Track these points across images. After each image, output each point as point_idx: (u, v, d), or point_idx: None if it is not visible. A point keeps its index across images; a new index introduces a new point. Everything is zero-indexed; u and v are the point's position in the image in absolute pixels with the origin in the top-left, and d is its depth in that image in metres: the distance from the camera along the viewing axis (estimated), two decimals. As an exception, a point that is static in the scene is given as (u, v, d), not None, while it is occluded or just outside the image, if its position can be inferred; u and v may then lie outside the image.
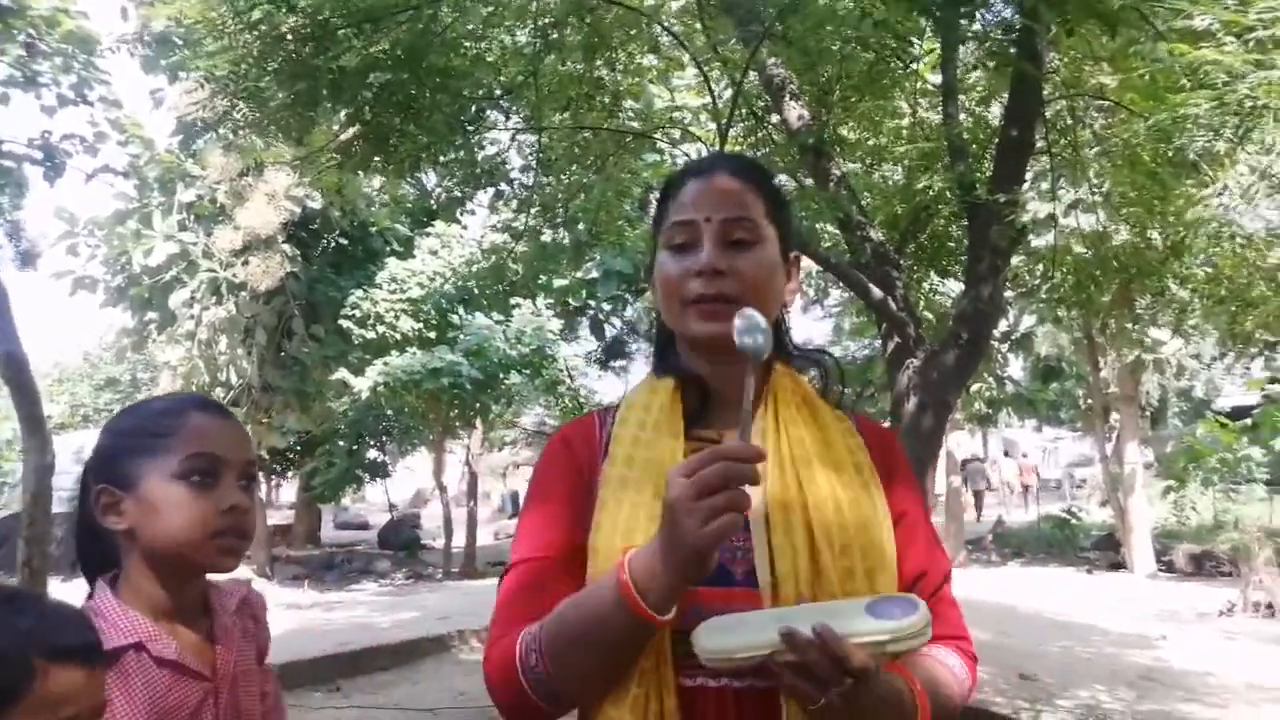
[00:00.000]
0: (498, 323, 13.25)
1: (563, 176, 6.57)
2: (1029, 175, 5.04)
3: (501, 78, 5.50)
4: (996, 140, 4.81)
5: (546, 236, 7.00)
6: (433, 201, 10.63)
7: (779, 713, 1.04)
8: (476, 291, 13.25)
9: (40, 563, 5.61)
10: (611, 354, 18.32)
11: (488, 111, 5.69)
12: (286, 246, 12.70)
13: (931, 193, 5.59)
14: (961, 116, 5.38)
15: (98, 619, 1.17)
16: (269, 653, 1.38)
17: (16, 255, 10.04)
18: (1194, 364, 16.68)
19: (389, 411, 15.09)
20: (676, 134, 7.05)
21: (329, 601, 11.29)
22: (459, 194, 6.79)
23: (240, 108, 4.56)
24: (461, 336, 13.17)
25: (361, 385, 12.69)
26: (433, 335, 13.49)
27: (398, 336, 13.22)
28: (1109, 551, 14.22)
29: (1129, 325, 11.75)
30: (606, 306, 16.76)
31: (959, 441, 17.74)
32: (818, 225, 5.66)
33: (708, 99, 6.13)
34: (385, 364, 12.58)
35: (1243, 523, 10.51)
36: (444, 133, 5.10)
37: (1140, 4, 3.41)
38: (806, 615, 0.97)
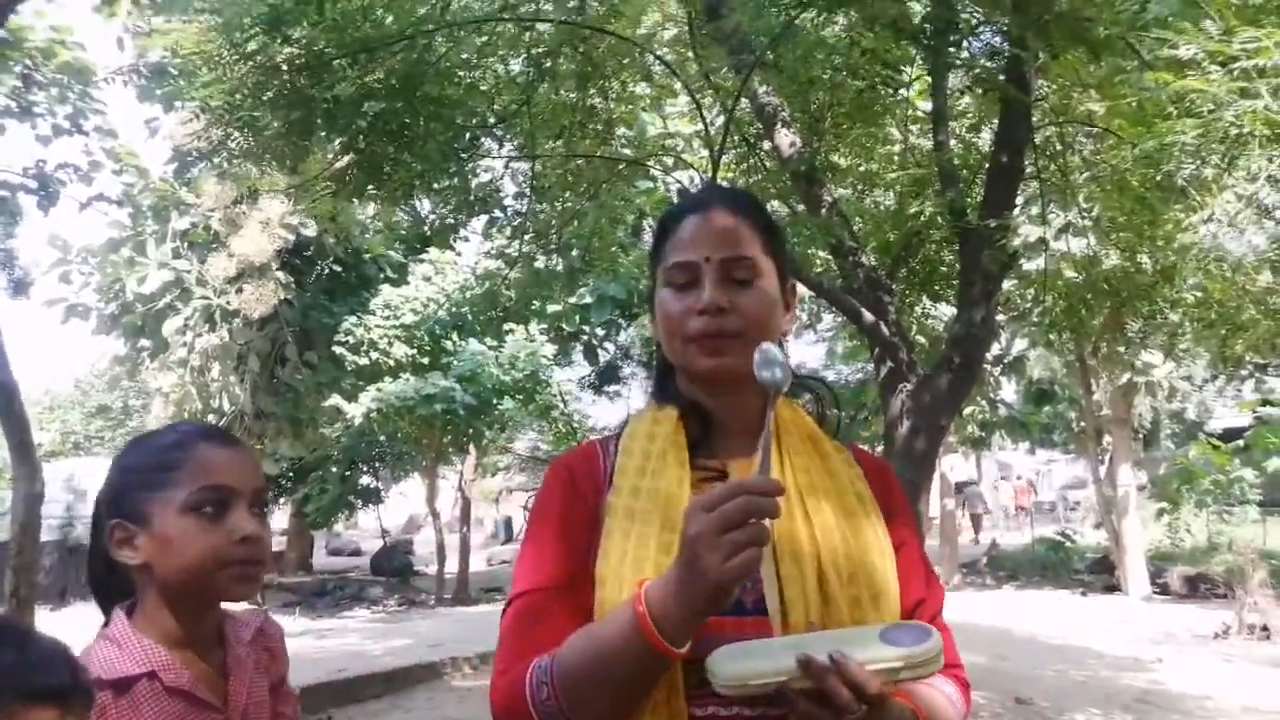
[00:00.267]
0: (491, 348, 13.25)
1: (556, 203, 6.61)
2: (1019, 200, 5.08)
3: (495, 106, 5.53)
4: (987, 166, 4.85)
5: (540, 263, 7.02)
6: (427, 228, 10.68)
7: None
8: (470, 317, 13.26)
9: (28, 592, 5.56)
10: (605, 379, 18.32)
11: (481, 139, 5.72)
12: (280, 273, 12.73)
13: (923, 218, 5.62)
14: (952, 143, 5.43)
15: (112, 646, 1.17)
16: (287, 680, 1.38)
17: (9, 283, 10.05)
18: (1186, 386, 16.75)
19: (382, 438, 15.05)
20: (669, 161, 7.10)
21: (321, 629, 11.20)
22: (453, 221, 6.82)
23: (235, 137, 4.58)
24: (455, 362, 13.18)
25: (355, 411, 12.67)
26: (426, 361, 13.49)
27: (391, 363, 13.21)
28: (1103, 574, 14.21)
29: (1120, 348, 11.81)
30: (600, 332, 16.78)
31: (952, 464, 17.76)
32: (810, 251, 5.70)
33: (700, 126, 6.18)
34: (378, 390, 12.57)
35: (1237, 545, 10.51)
36: (438, 160, 5.12)
37: (1126, 33, 3.46)
38: (822, 642, 0.98)
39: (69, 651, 1.14)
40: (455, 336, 13.66)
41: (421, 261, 14.33)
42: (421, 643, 9.53)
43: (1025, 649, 8.68)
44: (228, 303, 12.59)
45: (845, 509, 1.18)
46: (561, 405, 15.88)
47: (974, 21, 4.17)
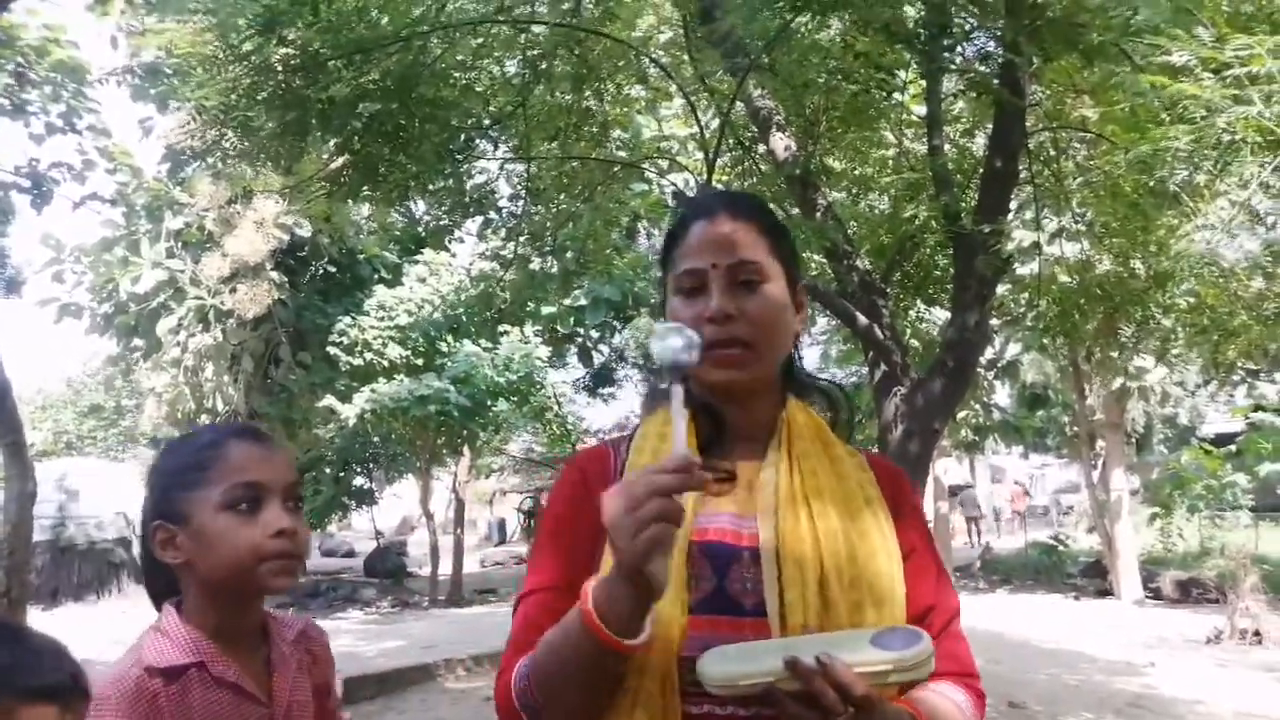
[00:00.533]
0: (485, 350, 13.24)
1: (551, 205, 6.60)
2: (1013, 205, 5.09)
3: (490, 108, 5.53)
4: (981, 170, 4.87)
5: (535, 264, 7.02)
6: (421, 229, 10.65)
7: None
8: (465, 319, 13.26)
9: (20, 592, 5.55)
10: (599, 381, 18.31)
11: (477, 141, 5.72)
12: (274, 274, 12.69)
13: (917, 222, 5.63)
14: (946, 147, 5.44)
15: (163, 637, 1.22)
16: (335, 691, 1.43)
17: (2, 282, 10.01)
18: (1178, 391, 16.79)
19: (376, 439, 15.04)
20: (664, 164, 7.11)
21: (314, 631, 11.16)
22: (448, 222, 6.81)
23: (230, 137, 4.57)
24: (449, 364, 13.16)
25: (349, 412, 12.65)
26: (420, 363, 13.47)
27: (385, 364, 13.19)
28: (1096, 578, 14.24)
29: (1113, 353, 11.83)
30: (594, 334, 16.77)
31: (946, 468, 17.78)
32: (804, 254, 5.70)
33: (695, 129, 6.19)
34: (373, 391, 12.56)
35: (1228, 549, 10.55)
36: (433, 162, 5.12)
37: (1118, 39, 3.47)
38: (812, 645, 0.98)
39: (66, 650, 1.16)
40: (450, 338, 13.65)
41: (416, 263, 14.31)
42: (415, 644, 9.52)
43: (1018, 653, 8.69)
44: (221, 303, 12.56)
45: (853, 513, 1.17)
46: (556, 407, 15.88)
47: (968, 26, 4.18)
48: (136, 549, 15.27)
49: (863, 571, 1.12)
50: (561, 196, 6.47)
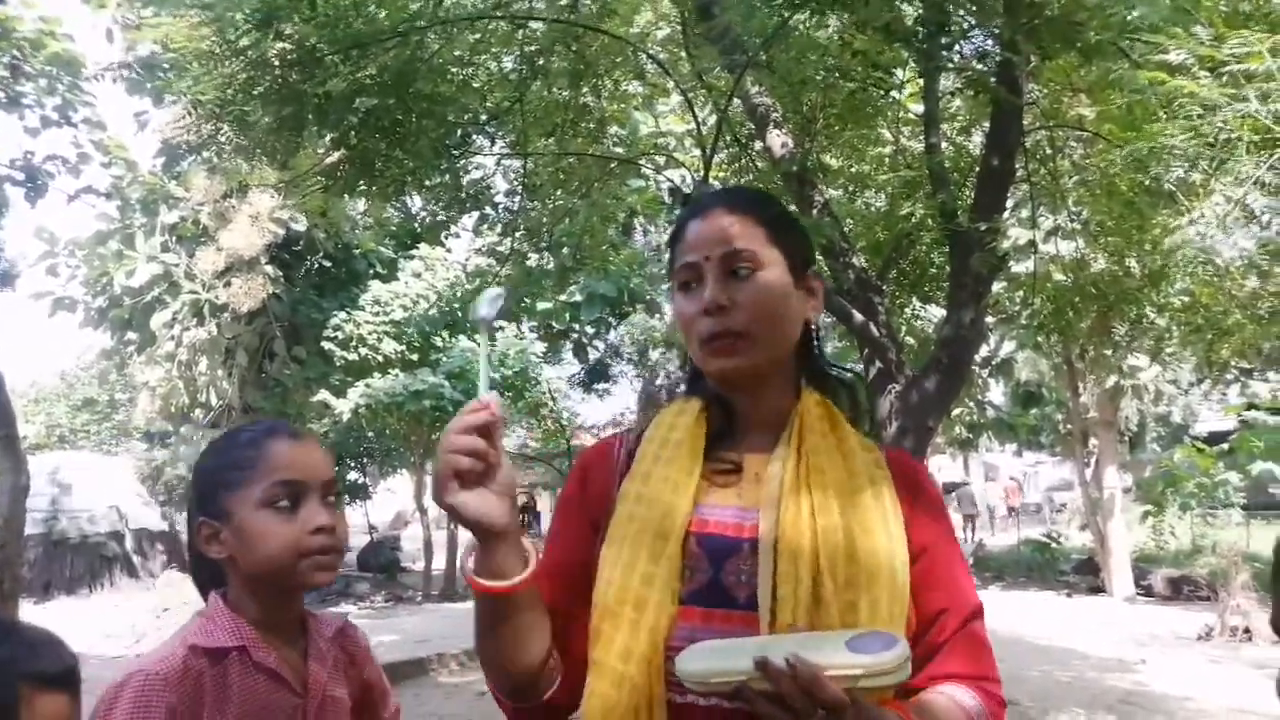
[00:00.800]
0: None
1: (548, 201, 6.60)
2: (1009, 203, 5.10)
3: (487, 103, 5.52)
4: (977, 169, 4.87)
5: (531, 260, 7.01)
6: (417, 225, 10.62)
7: None
8: (460, 314, 13.23)
9: (12, 585, 5.54)
10: (595, 377, 18.30)
11: (473, 136, 5.71)
12: (269, 268, 12.66)
13: (913, 220, 5.64)
14: (943, 145, 5.45)
15: (209, 621, 1.28)
16: (384, 689, 1.48)
17: (-4, 275, 9.98)
18: (1172, 390, 16.85)
19: (370, 433, 15.02)
20: (661, 160, 7.10)
21: (308, 626, 11.16)
22: (444, 217, 6.79)
23: (225, 132, 4.56)
24: (444, 359, 13.15)
25: (343, 407, 12.64)
26: (415, 358, 13.45)
27: (380, 359, 13.17)
28: (1088, 575, 14.29)
29: (1107, 352, 11.86)
30: (590, 330, 16.76)
31: (940, 466, 17.81)
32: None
33: (692, 126, 6.18)
34: (367, 386, 12.54)
35: (1220, 547, 10.60)
36: (429, 157, 5.11)
37: (1116, 38, 3.48)
38: (787, 645, 0.97)
39: (61, 639, 1.22)
40: (445, 333, 13.63)
41: (412, 258, 14.29)
42: (408, 639, 9.52)
43: (1011, 649, 8.72)
44: (216, 297, 12.52)
45: (858, 507, 1.15)
46: (551, 403, 15.86)
47: (966, 25, 4.18)
48: (129, 543, 15.30)
49: (861, 569, 1.10)
50: (558, 192, 6.46)
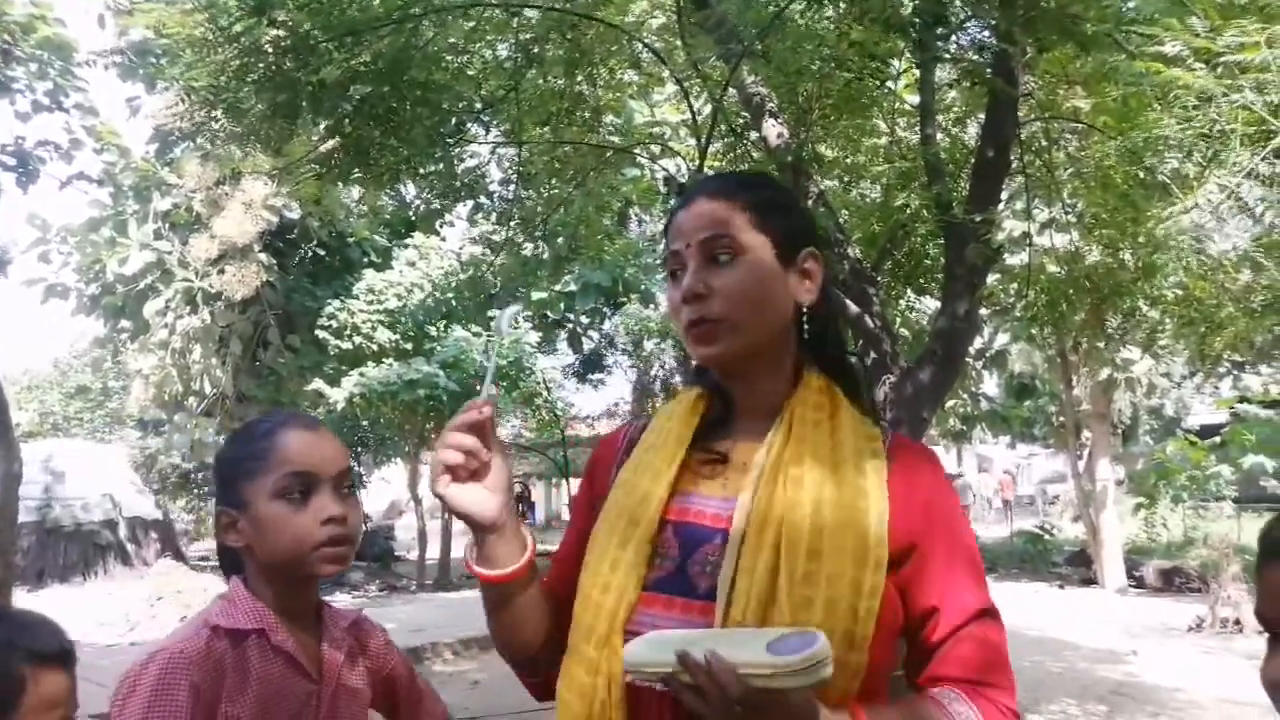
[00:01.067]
0: (475, 335, 13.22)
1: (542, 190, 6.58)
2: (1004, 195, 5.10)
3: (482, 92, 5.50)
4: (973, 160, 4.86)
5: (526, 250, 7.00)
6: (411, 213, 10.60)
7: None
8: (455, 303, 13.22)
9: (5, 573, 5.54)
10: (589, 367, 18.32)
11: (468, 125, 5.69)
12: (263, 256, 12.62)
13: (909, 211, 5.63)
14: (938, 137, 5.44)
15: (230, 604, 1.32)
16: (416, 684, 1.52)
17: (-13, 262, 9.92)
18: (1164, 383, 16.89)
19: (364, 423, 15.00)
20: (656, 149, 7.08)
21: (301, 614, 11.16)
22: (438, 206, 6.78)
23: (219, 118, 4.53)
24: (438, 348, 13.13)
25: (337, 396, 12.62)
26: (410, 347, 13.44)
27: (374, 347, 13.16)
28: (1081, 567, 14.35)
29: (1101, 344, 11.89)
30: (585, 320, 16.76)
31: (934, 457, 17.81)
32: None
33: (687, 115, 6.17)
34: (361, 375, 12.52)
35: (1211, 539, 10.64)
36: (424, 145, 5.09)
37: (1112, 30, 3.47)
38: (714, 640, 0.98)
39: (54, 620, 1.27)
40: (442, 324, 13.61)
41: (406, 246, 14.26)
42: (403, 628, 9.53)
43: (1002, 640, 8.75)
44: (210, 285, 12.48)
45: (837, 500, 1.11)
46: (545, 393, 15.86)
47: (962, 15, 4.17)
48: (123, 531, 15.27)
49: (822, 565, 1.07)
50: (553, 181, 6.44)
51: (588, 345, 17.82)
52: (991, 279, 6.23)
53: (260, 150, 5.48)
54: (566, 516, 19.90)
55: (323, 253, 13.99)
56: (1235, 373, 14.64)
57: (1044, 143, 5.55)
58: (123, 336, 13.93)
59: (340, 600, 12.74)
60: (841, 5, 4.20)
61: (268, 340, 13.31)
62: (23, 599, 9.58)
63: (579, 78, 5.62)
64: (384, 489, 25.46)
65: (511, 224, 6.63)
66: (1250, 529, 12.13)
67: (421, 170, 5.65)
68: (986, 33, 4.39)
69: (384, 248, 14.51)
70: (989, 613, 1.15)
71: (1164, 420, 21.81)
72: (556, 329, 16.68)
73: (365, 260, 14.24)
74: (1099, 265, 5.63)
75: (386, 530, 19.21)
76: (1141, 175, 4.62)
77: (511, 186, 6.52)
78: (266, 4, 3.95)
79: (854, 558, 1.08)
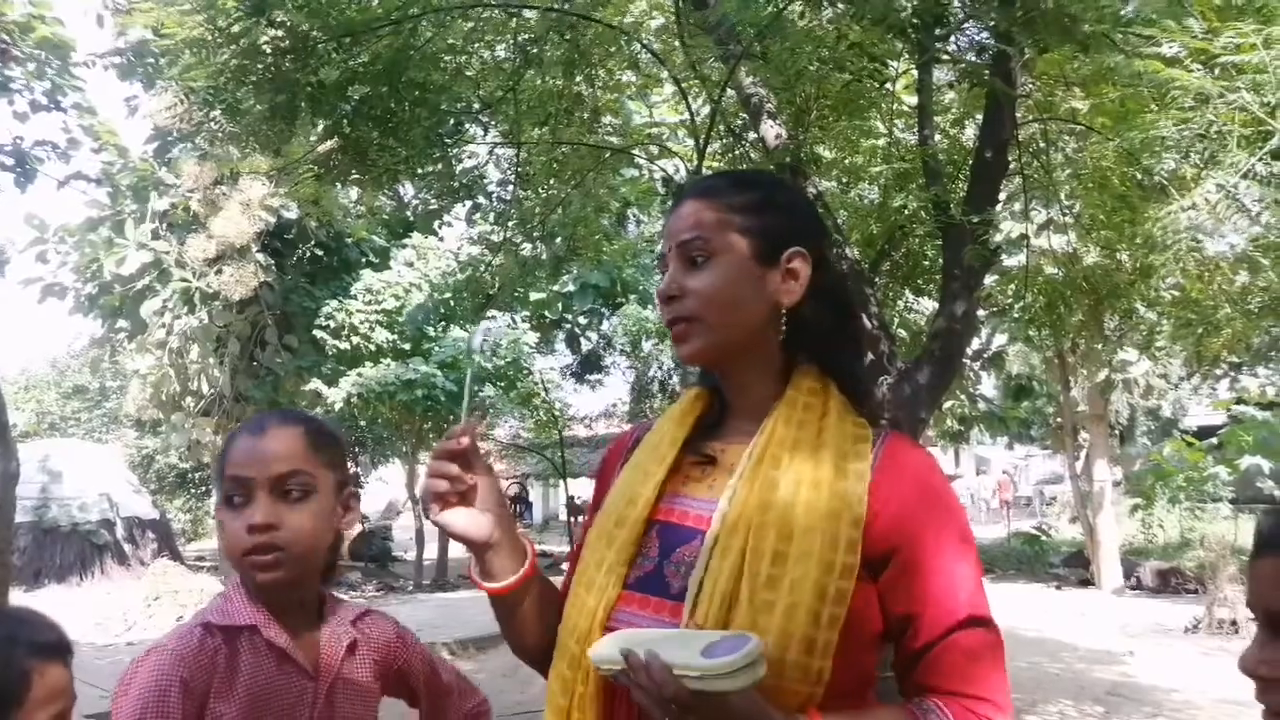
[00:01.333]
0: (486, 332, 13.20)
1: (541, 190, 6.58)
2: (1002, 196, 5.10)
3: (481, 92, 5.50)
4: (971, 161, 4.87)
5: (524, 250, 7.00)
6: (410, 213, 10.59)
7: None
8: (453, 304, 13.21)
9: (2, 573, 5.52)
10: (587, 367, 18.30)
11: (466, 126, 5.69)
12: (261, 256, 12.60)
13: (906, 212, 5.63)
14: (937, 138, 5.45)
15: (226, 601, 1.33)
16: (438, 678, 1.51)
17: (-15, 262, 9.90)
18: (1162, 384, 16.91)
19: (362, 423, 14.99)
20: (654, 150, 7.08)
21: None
22: (436, 207, 6.78)
23: (217, 119, 4.53)
24: (436, 348, 13.12)
25: (335, 396, 12.61)
26: (407, 347, 13.43)
27: (372, 348, 13.15)
28: (1078, 568, 14.36)
29: (1098, 346, 11.90)
30: (583, 320, 16.75)
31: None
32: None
33: (686, 116, 6.17)
34: (359, 375, 12.52)
35: (1208, 540, 10.66)
36: (422, 146, 5.09)
37: (1111, 30, 3.48)
38: (662, 641, 1.01)
39: (48, 615, 1.30)
40: (442, 326, 13.60)
41: (404, 247, 14.24)
42: (399, 629, 9.51)
43: (999, 641, 8.76)
44: (207, 285, 12.46)
45: (813, 505, 1.09)
46: (543, 393, 15.85)
47: (960, 16, 4.18)
48: (120, 531, 15.24)
49: (789, 571, 1.06)
50: (551, 182, 6.44)
51: (586, 346, 17.81)
52: (989, 280, 6.24)
53: (258, 150, 5.48)
54: (564, 516, 19.91)
55: (321, 253, 13.95)
56: (1232, 374, 14.67)
57: (1042, 144, 5.56)
58: (120, 336, 13.91)
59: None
60: (840, 6, 4.21)
61: (265, 340, 13.29)
62: (20, 599, 9.57)
63: (577, 78, 5.62)
64: (382, 489, 25.45)
65: (510, 224, 6.62)
66: (1247, 530, 12.12)
67: (420, 171, 5.65)
68: (985, 34, 4.39)
69: (382, 248, 14.49)
70: (978, 620, 1.12)
71: (1161, 421, 21.82)
72: (554, 329, 16.67)
73: (363, 260, 14.22)
74: (1096, 266, 5.64)
75: (384, 530, 19.19)
76: (1139, 176, 4.62)
77: (510, 187, 6.52)
78: (265, 4, 3.95)
79: (820, 563, 1.06)
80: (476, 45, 5.31)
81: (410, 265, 13.92)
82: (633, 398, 20.44)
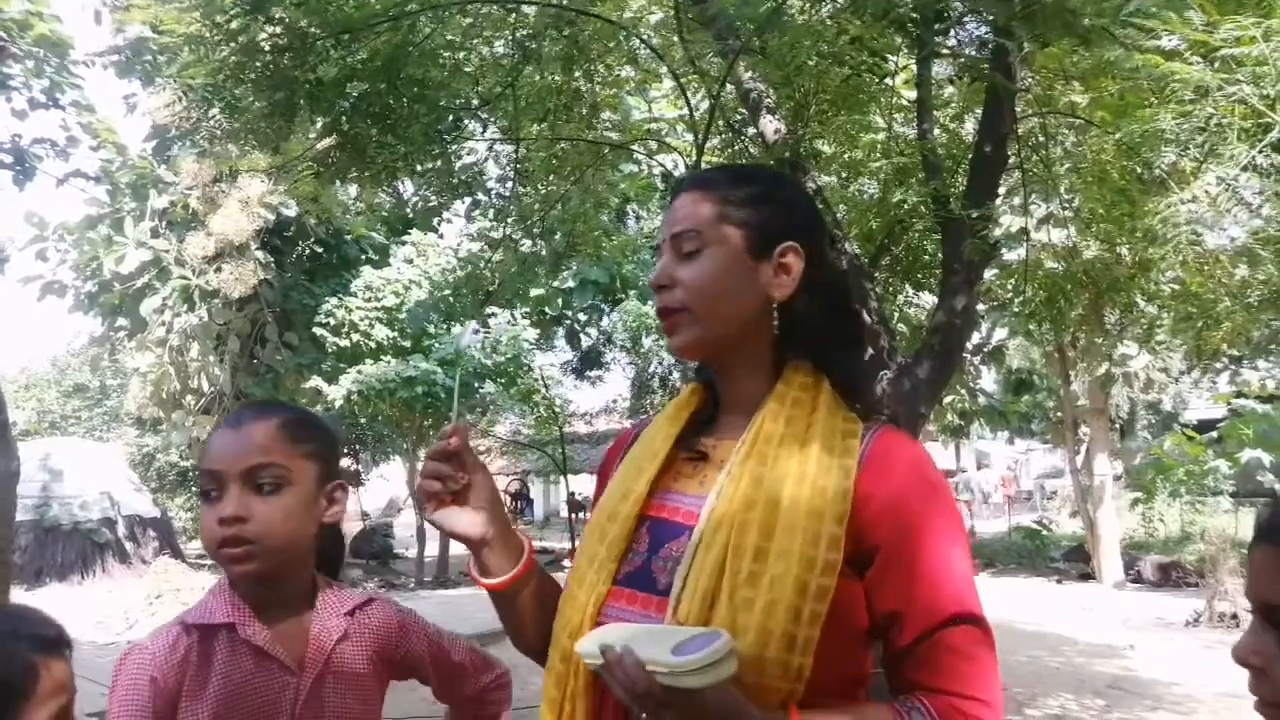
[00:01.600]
0: (474, 332, 13.20)
1: (540, 187, 6.57)
2: (1001, 190, 5.10)
3: (479, 88, 5.49)
4: (970, 156, 4.86)
5: (524, 246, 7.00)
6: (409, 210, 10.59)
7: None
8: (453, 301, 13.22)
9: (3, 572, 5.51)
10: (587, 364, 18.31)
11: (465, 122, 5.69)
12: (260, 253, 12.60)
13: (906, 206, 5.63)
14: (936, 132, 5.44)
15: (210, 598, 1.33)
16: (447, 659, 1.49)
17: (-16, 260, 9.91)
18: (1162, 378, 16.89)
19: (362, 420, 14.99)
20: (654, 145, 7.08)
21: (300, 612, 11.15)
22: (435, 203, 6.77)
23: (216, 116, 4.52)
24: (436, 345, 13.12)
25: (335, 394, 12.61)
26: (407, 344, 13.43)
27: (372, 345, 13.15)
28: (1079, 562, 14.37)
29: (1098, 339, 11.90)
30: (582, 316, 16.75)
31: (931, 453, 17.85)
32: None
33: (685, 111, 6.16)
34: (359, 372, 12.52)
35: (1209, 534, 10.66)
36: (421, 143, 5.08)
37: (1111, 24, 3.47)
38: (640, 637, 1.01)
39: (43, 611, 1.30)
40: (442, 321, 13.60)
41: (403, 243, 14.24)
42: (401, 625, 9.53)
43: (1000, 635, 8.64)
44: (207, 282, 12.46)
45: (795, 501, 1.09)
46: (543, 389, 15.86)
47: (960, 10, 4.17)
48: (121, 529, 15.25)
49: (771, 567, 1.05)
50: (550, 178, 6.44)
51: (586, 342, 17.82)
52: (989, 274, 6.23)
53: (257, 148, 5.47)
54: (565, 513, 19.91)
55: (320, 250, 13.95)
56: (1233, 367, 14.66)
57: (1041, 138, 5.55)
58: (120, 334, 13.91)
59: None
60: (839, 0, 4.20)
61: (265, 338, 13.29)
62: (21, 598, 9.58)
63: (576, 74, 5.61)
64: (382, 486, 25.46)
65: (509, 221, 6.62)
66: (1248, 523, 12.14)
67: (419, 167, 5.64)
68: (985, 28, 4.38)
69: (381, 245, 14.49)
70: (966, 618, 1.10)
71: (1162, 415, 21.81)
72: (554, 325, 16.67)
73: (363, 258, 14.22)
74: (1096, 260, 5.64)
75: (385, 528, 19.20)
76: (1139, 170, 4.62)
77: (509, 183, 6.52)
78: (263, 1, 3.95)
79: (801, 560, 1.06)
80: (475, 41, 5.30)
81: (410, 262, 13.92)
82: (633, 393, 20.45)
